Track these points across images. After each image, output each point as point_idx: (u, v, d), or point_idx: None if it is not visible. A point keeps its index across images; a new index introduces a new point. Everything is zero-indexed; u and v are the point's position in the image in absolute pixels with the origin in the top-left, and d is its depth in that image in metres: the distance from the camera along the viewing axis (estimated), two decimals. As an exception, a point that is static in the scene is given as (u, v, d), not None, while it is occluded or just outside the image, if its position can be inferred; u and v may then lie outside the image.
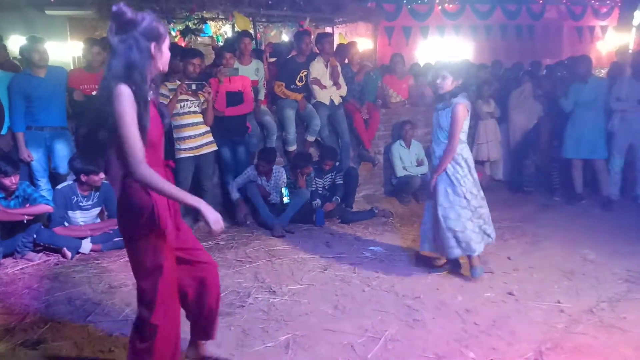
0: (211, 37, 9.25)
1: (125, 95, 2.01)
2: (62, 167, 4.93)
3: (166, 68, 2.23)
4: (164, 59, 2.18)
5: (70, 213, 4.60)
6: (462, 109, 3.78)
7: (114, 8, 2.04)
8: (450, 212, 3.87)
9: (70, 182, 4.64)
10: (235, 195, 5.45)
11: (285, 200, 5.48)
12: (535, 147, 6.82)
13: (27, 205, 4.41)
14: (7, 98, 4.73)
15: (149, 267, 2.19)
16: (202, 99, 4.99)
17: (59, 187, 4.63)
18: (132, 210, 2.15)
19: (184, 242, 2.41)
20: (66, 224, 4.61)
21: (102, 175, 4.57)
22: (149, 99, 2.12)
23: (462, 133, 3.86)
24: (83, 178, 4.52)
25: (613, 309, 3.41)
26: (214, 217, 2.16)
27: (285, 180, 5.61)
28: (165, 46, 2.17)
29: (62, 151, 4.91)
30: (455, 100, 3.81)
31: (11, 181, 4.28)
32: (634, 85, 5.96)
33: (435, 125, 3.99)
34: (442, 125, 3.88)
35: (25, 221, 4.36)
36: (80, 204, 4.61)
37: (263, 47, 7.33)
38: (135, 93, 2.04)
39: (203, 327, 2.59)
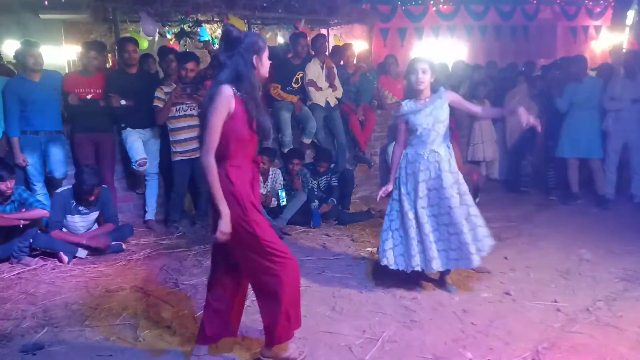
0: (207, 40, 9.24)
1: (224, 94, 2.30)
2: (58, 172, 4.92)
3: (266, 75, 2.51)
4: (264, 68, 2.45)
5: (69, 217, 4.58)
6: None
7: (223, 28, 2.34)
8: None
9: (70, 187, 4.62)
10: None
11: (282, 202, 5.48)
12: (531, 147, 6.85)
13: (23, 209, 4.39)
14: (2, 102, 4.72)
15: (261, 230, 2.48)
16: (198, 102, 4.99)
17: (58, 191, 4.61)
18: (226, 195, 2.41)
19: None
20: (64, 229, 4.59)
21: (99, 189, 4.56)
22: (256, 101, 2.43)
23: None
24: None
25: (609, 307, 3.42)
26: (225, 228, 2.40)
27: (281, 182, 5.61)
28: (265, 57, 2.43)
29: (58, 155, 4.90)
30: (444, 88, 3.69)
31: (6, 186, 4.26)
32: (627, 85, 5.99)
33: (426, 129, 3.56)
34: (441, 118, 3.56)
35: (21, 226, 4.34)
36: (79, 208, 4.59)
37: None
38: (246, 99, 2.36)
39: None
